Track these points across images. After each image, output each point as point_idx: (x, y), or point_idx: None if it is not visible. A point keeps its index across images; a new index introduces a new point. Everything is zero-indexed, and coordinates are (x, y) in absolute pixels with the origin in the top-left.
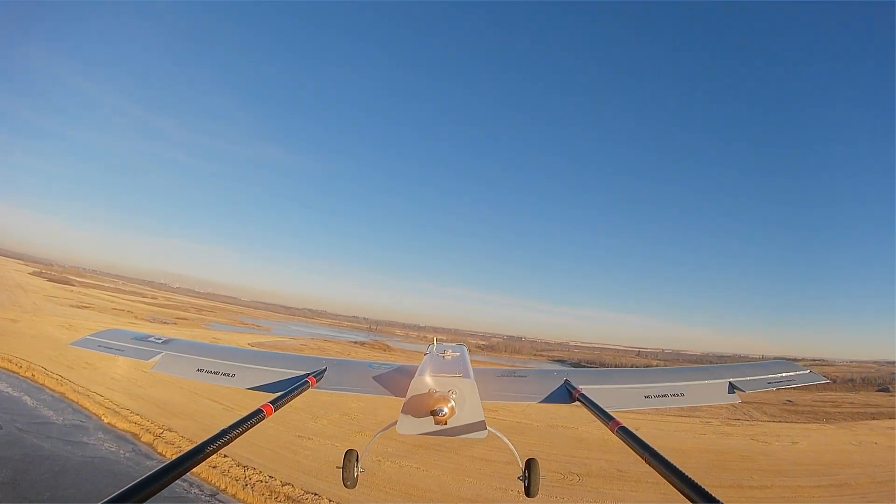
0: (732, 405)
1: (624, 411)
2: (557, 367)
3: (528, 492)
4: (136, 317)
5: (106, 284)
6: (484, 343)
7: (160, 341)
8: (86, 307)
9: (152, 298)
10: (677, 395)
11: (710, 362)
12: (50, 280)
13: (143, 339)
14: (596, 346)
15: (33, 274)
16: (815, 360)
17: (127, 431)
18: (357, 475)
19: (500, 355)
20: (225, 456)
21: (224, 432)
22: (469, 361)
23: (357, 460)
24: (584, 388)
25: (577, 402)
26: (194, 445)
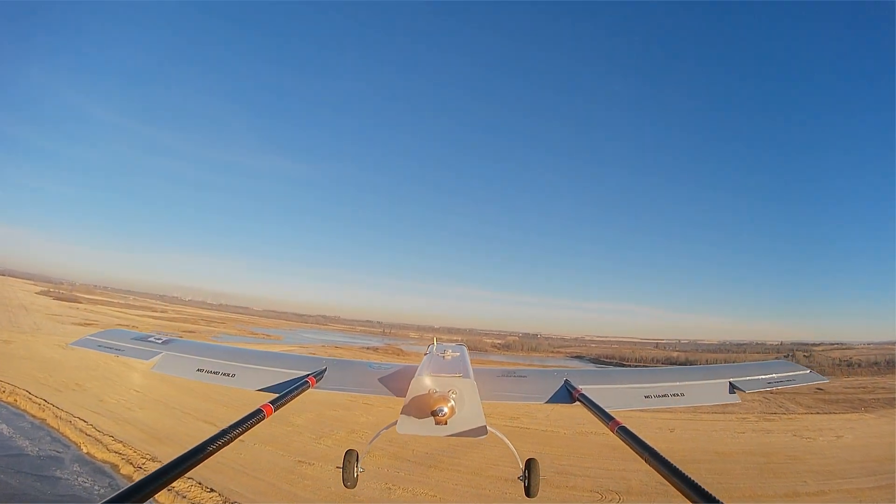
0: (764, 398)
1: (625, 411)
2: (576, 363)
3: (528, 492)
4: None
5: (115, 300)
6: (500, 342)
7: (160, 341)
8: (89, 324)
9: (161, 312)
10: (677, 395)
11: (729, 350)
12: (56, 298)
13: (143, 338)
14: (612, 340)
15: (40, 293)
16: (833, 344)
17: (106, 462)
18: (357, 475)
19: (517, 354)
20: (211, 490)
21: (224, 432)
22: (469, 361)
23: (357, 460)
24: (584, 388)
25: (578, 402)
26: (194, 445)
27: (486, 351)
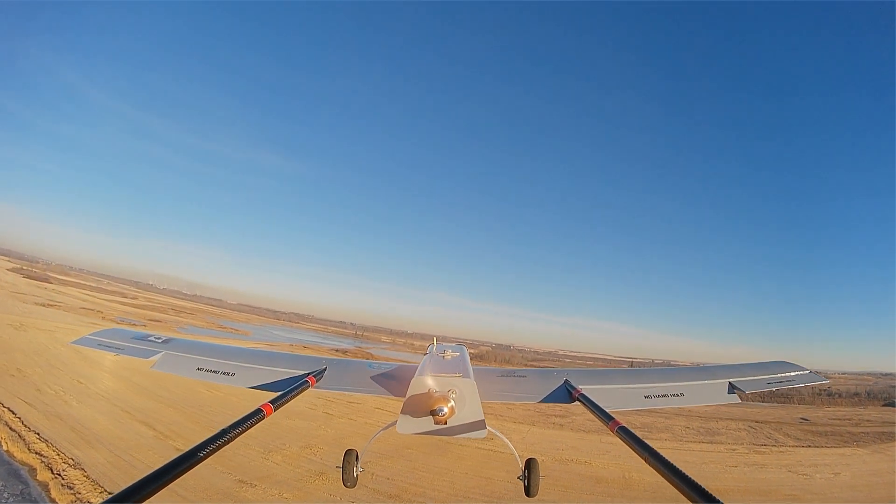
0: (751, 427)
1: (625, 411)
2: None
3: (528, 492)
4: (103, 317)
5: (88, 283)
6: (473, 352)
7: (160, 340)
8: (51, 305)
9: (132, 299)
10: (677, 394)
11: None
12: (27, 277)
13: (143, 338)
14: (586, 356)
15: (12, 270)
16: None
17: (24, 464)
18: (357, 475)
19: (489, 365)
20: None
21: (224, 432)
22: (469, 361)
23: (357, 460)
24: (584, 388)
25: (577, 402)
26: (194, 445)
27: None
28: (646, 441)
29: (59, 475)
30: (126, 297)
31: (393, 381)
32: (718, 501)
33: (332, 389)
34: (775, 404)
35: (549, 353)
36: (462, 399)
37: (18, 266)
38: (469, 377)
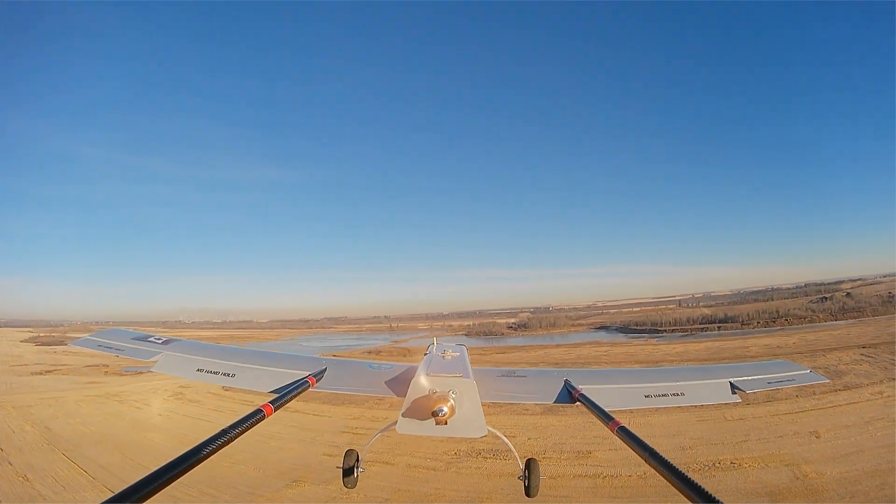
0: (865, 356)
1: (625, 411)
2: (603, 334)
3: (528, 492)
4: (106, 373)
5: None
6: (514, 321)
7: (160, 341)
8: (51, 371)
9: None
10: (678, 394)
11: (745, 300)
12: (41, 344)
13: (143, 339)
14: (624, 303)
15: (26, 341)
16: (855, 280)
17: None
18: (357, 475)
19: (536, 333)
20: None
21: (224, 432)
22: (469, 361)
23: (357, 460)
24: (584, 388)
25: (578, 402)
26: (194, 445)
27: (503, 334)
28: (646, 441)
29: None
30: None
31: (393, 381)
32: (718, 501)
33: (331, 389)
34: (849, 321)
35: (588, 306)
36: (462, 399)
37: (35, 335)
38: (469, 377)
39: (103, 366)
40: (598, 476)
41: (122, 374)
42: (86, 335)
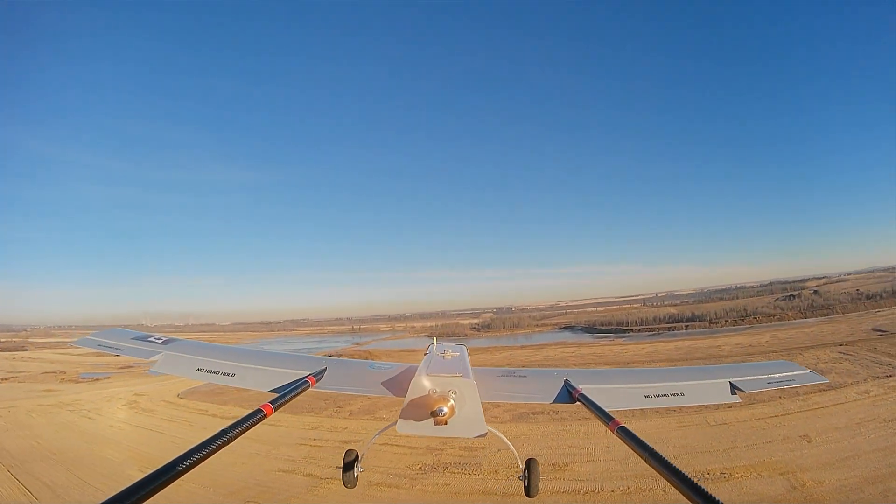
0: (844, 354)
1: (624, 410)
2: (568, 334)
3: (528, 492)
4: (63, 380)
5: (67, 340)
6: (477, 322)
7: (160, 341)
8: (6, 379)
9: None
10: (678, 394)
11: (710, 299)
12: (0, 350)
13: (143, 338)
14: (587, 303)
15: None
16: (821, 278)
17: None
18: (357, 475)
19: (499, 334)
20: None
21: (224, 432)
22: (469, 361)
23: (357, 460)
24: (584, 388)
25: (578, 402)
26: (194, 445)
27: (466, 335)
28: (646, 441)
29: None
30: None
31: (393, 381)
32: (718, 501)
33: (331, 389)
34: (819, 318)
35: (551, 307)
36: (462, 399)
37: None
38: (469, 377)
39: (60, 372)
40: (577, 492)
41: (78, 382)
42: (86, 335)
